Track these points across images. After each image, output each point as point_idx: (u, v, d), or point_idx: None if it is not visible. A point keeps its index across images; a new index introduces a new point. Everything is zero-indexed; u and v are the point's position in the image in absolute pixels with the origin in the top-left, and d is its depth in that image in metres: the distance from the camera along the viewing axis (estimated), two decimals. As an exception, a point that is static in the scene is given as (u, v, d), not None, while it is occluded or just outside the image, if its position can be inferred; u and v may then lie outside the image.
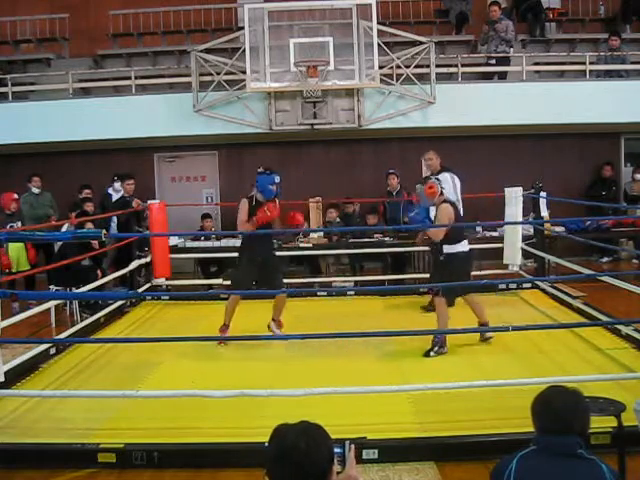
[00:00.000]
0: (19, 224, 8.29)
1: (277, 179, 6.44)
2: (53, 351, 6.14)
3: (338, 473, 2.01)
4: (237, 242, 9.23)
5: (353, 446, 2.13)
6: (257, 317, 6.73)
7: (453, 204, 6.07)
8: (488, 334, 5.98)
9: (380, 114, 10.02)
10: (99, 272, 8.04)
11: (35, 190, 9.30)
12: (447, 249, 5.95)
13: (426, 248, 9.27)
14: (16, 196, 8.59)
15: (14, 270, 7.90)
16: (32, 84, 11.23)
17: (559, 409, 2.31)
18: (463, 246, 6.00)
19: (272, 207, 6.40)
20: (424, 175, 7.76)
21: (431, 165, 7.69)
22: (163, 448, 4.10)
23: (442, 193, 6.02)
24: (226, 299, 8.43)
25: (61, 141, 10.22)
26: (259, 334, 6.33)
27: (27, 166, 10.20)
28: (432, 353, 5.81)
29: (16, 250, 8.04)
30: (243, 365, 5.73)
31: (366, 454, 3.94)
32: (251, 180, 10.96)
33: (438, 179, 6.19)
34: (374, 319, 7.26)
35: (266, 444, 1.95)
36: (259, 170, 6.56)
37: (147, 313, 8.08)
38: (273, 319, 6.60)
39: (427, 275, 9.60)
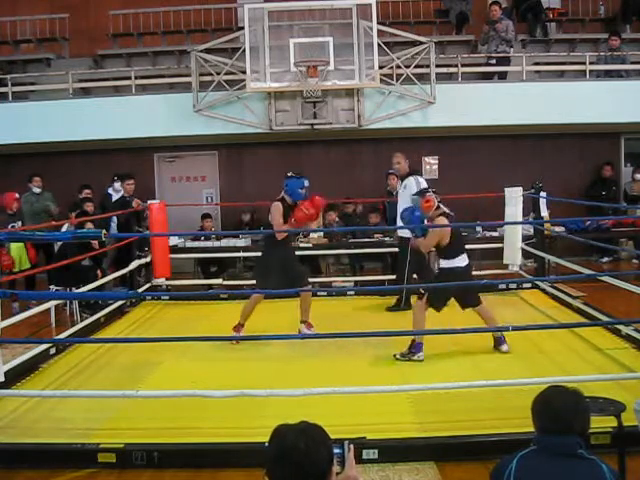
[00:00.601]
0: (20, 224, 8.31)
1: (306, 183, 6.39)
2: (53, 351, 6.14)
3: (337, 474, 2.01)
4: (237, 242, 9.28)
5: (352, 446, 2.13)
6: (258, 317, 6.73)
7: (449, 217, 5.95)
8: (504, 348, 5.81)
9: (380, 114, 10.02)
10: (99, 272, 8.04)
11: (36, 190, 9.31)
12: (443, 264, 5.88)
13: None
14: (18, 196, 8.64)
15: (16, 270, 7.94)
16: (32, 84, 11.23)
17: (559, 409, 2.31)
18: (460, 261, 5.82)
19: (309, 205, 6.28)
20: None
21: (399, 169, 7.68)
22: (163, 448, 4.10)
23: (439, 207, 5.93)
24: (226, 299, 8.50)
25: (61, 141, 10.22)
26: (259, 334, 6.33)
27: (27, 166, 10.21)
28: (398, 356, 5.74)
29: (17, 250, 8.08)
30: (243, 365, 5.72)
31: (366, 454, 3.94)
32: (251, 180, 11.08)
33: (434, 192, 6.03)
34: (374, 319, 7.26)
35: (266, 444, 1.95)
36: (288, 174, 6.47)
37: (147, 313, 8.08)
38: (302, 321, 6.52)
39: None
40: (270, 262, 6.49)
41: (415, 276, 7.74)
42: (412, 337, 5.74)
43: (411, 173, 7.65)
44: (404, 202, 7.39)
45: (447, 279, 5.75)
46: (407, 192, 7.42)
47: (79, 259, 7.65)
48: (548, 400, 2.36)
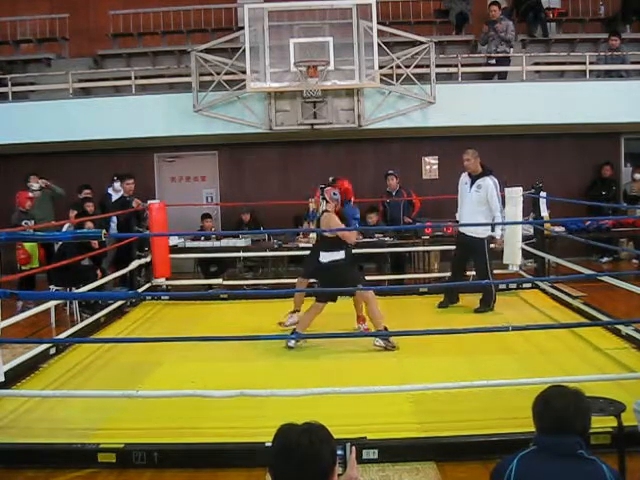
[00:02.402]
0: (32, 222, 8.40)
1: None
2: (53, 351, 6.14)
3: (339, 475, 2.01)
4: (237, 242, 9.28)
5: (354, 448, 2.13)
6: (257, 317, 6.74)
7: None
8: (379, 342, 5.98)
9: (380, 114, 10.02)
10: (99, 272, 8.05)
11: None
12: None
13: (428, 248, 9.35)
14: (31, 194, 8.72)
15: (27, 267, 8.04)
16: (32, 84, 11.23)
17: (560, 409, 2.30)
18: (328, 257, 6.09)
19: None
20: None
21: (468, 166, 7.47)
22: (163, 448, 4.10)
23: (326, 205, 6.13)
24: (226, 299, 8.49)
25: (61, 141, 10.22)
26: (259, 334, 6.33)
27: (27, 166, 10.20)
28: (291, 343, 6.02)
29: (31, 247, 8.18)
30: (243, 365, 5.73)
31: (366, 454, 3.94)
32: (251, 180, 11.09)
33: (335, 193, 6.13)
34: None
35: (267, 444, 1.96)
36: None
37: (147, 313, 8.07)
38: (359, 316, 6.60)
39: (427, 275, 9.68)
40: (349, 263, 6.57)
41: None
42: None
43: (486, 172, 7.41)
44: (477, 203, 7.28)
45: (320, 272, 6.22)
46: (482, 193, 7.27)
47: (79, 259, 7.66)
48: (549, 400, 2.35)
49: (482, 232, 7.31)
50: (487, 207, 7.27)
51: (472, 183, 7.40)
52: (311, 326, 6.51)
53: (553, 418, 2.30)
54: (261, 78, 9.57)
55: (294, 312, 6.70)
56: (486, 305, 7.39)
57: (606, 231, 9.72)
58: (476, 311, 7.36)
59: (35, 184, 9.26)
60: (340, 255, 6.08)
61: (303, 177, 10.93)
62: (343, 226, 6.10)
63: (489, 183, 7.27)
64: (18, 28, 12.21)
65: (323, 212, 6.14)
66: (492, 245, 7.56)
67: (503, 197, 8.55)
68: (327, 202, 6.11)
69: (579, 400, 2.35)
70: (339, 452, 2.01)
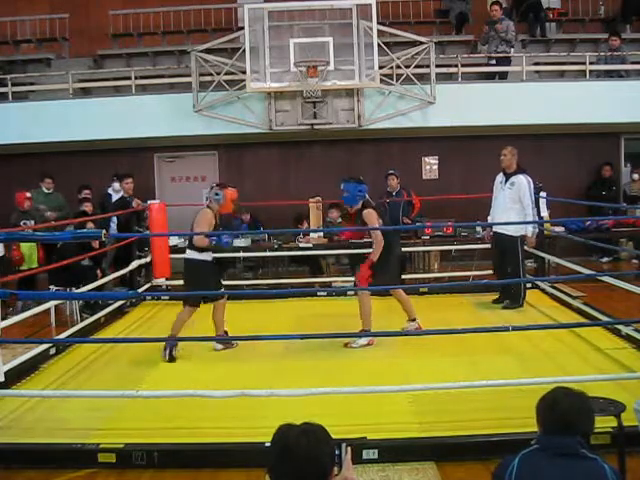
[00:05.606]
0: (32, 222, 8.38)
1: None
2: (53, 351, 6.14)
3: (335, 475, 2.02)
4: (237, 242, 9.24)
5: (350, 448, 2.14)
6: (257, 317, 6.73)
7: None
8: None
9: (380, 114, 10.02)
10: (99, 272, 8.05)
11: (45, 190, 9.37)
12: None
13: (428, 248, 9.33)
14: (29, 195, 8.73)
15: (25, 267, 8.05)
16: (32, 84, 11.24)
17: (565, 411, 2.30)
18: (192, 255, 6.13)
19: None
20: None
21: (503, 160, 7.49)
22: (163, 448, 4.10)
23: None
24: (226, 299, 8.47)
25: (61, 141, 10.22)
26: (259, 334, 6.32)
27: (27, 166, 10.21)
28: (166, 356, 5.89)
29: (29, 248, 8.17)
30: (243, 365, 5.73)
31: (366, 454, 3.93)
32: (251, 180, 11.08)
33: (217, 193, 6.14)
34: (374, 319, 7.25)
35: (266, 444, 1.96)
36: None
37: (147, 313, 8.08)
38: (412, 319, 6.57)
39: (427, 275, 9.66)
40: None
41: None
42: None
43: (520, 171, 7.44)
44: (510, 200, 7.33)
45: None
46: (515, 190, 7.32)
47: (79, 259, 7.66)
48: (554, 402, 2.35)
49: (514, 230, 7.35)
50: (520, 205, 7.33)
51: (506, 181, 7.48)
52: (311, 326, 6.53)
53: (558, 419, 2.30)
54: (261, 78, 9.56)
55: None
56: (515, 302, 7.45)
57: (606, 231, 9.71)
58: (505, 307, 7.46)
59: (45, 189, 9.29)
60: (203, 256, 6.10)
61: (303, 177, 10.94)
62: (206, 227, 6.01)
63: (522, 180, 7.33)
64: (18, 28, 12.23)
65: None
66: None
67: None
68: (209, 199, 6.21)
69: (584, 402, 2.36)
70: (335, 452, 2.01)
